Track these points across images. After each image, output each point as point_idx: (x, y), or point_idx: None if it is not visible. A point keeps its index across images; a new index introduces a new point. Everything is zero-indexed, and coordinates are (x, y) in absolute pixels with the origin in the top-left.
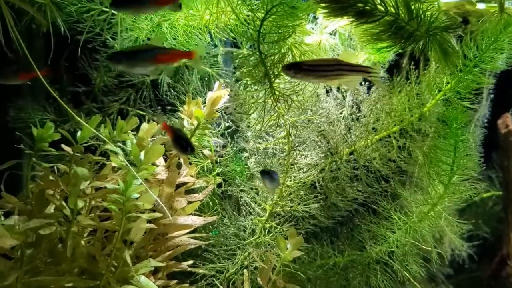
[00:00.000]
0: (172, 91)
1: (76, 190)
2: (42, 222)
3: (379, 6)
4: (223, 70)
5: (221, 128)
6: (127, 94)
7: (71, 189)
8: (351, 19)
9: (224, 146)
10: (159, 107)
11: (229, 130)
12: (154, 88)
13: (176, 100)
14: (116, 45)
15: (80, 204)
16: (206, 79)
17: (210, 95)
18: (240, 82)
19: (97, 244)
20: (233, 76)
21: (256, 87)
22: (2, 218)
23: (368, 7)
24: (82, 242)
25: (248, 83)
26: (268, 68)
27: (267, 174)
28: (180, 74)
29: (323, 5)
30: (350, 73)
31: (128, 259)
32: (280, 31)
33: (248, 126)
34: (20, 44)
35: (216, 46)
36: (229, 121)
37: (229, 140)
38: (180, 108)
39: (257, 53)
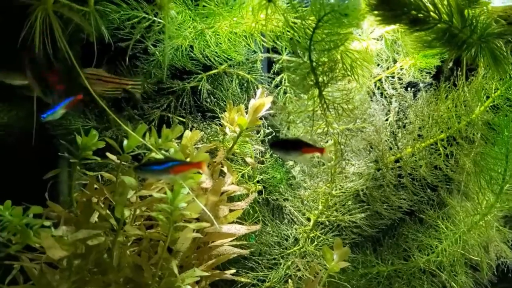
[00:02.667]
0: (211, 97)
1: (123, 200)
2: (90, 232)
3: (432, 14)
4: (262, 76)
5: (260, 134)
6: (167, 101)
7: (118, 199)
8: (404, 27)
9: (263, 153)
10: (199, 114)
11: (270, 137)
12: (193, 94)
13: (216, 107)
14: (156, 52)
15: (127, 213)
16: (245, 85)
17: (253, 102)
18: (279, 87)
19: (144, 254)
20: (272, 82)
21: (304, 96)
22: (52, 229)
23: (421, 15)
24: (128, 252)
25: (297, 91)
26: (318, 76)
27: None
28: (219, 80)
29: (377, 12)
30: None
31: (175, 269)
32: (332, 39)
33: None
34: (69, 53)
35: (255, 52)
36: (269, 127)
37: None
38: (220, 115)
39: (308, 61)
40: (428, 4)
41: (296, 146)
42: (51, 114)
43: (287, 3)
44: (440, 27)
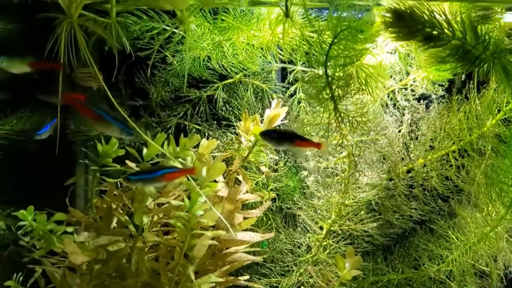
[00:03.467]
0: (227, 106)
1: (142, 207)
2: (111, 239)
3: (446, 31)
4: (277, 86)
5: None
6: (184, 109)
7: (137, 206)
8: (419, 43)
9: (277, 162)
10: (214, 122)
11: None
12: (209, 103)
13: (231, 115)
14: (174, 62)
15: (145, 220)
16: (260, 94)
17: (268, 112)
18: (293, 97)
19: (162, 260)
20: (286, 91)
21: (320, 108)
22: (75, 235)
23: (435, 32)
24: (145, 257)
25: (313, 105)
26: (333, 90)
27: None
28: (234, 89)
29: (392, 29)
30: None
31: (192, 275)
32: (348, 55)
33: None
34: (92, 65)
35: (270, 62)
36: None
37: (283, 155)
38: (236, 124)
39: (324, 75)
40: (442, 21)
41: (290, 138)
42: (44, 132)
43: (303, 18)
44: (454, 43)
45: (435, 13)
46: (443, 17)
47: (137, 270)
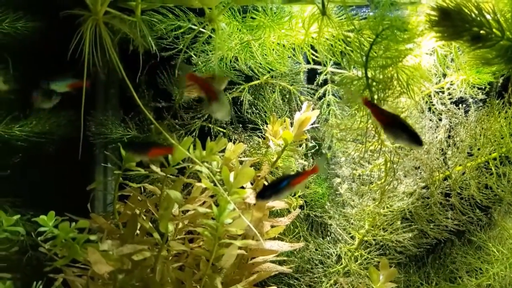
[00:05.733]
0: (253, 108)
1: (168, 214)
2: (136, 248)
3: (495, 30)
4: (305, 87)
5: (303, 148)
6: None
7: (163, 213)
8: (465, 44)
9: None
10: (240, 125)
11: (312, 150)
12: (234, 105)
13: (257, 118)
14: (199, 62)
15: (170, 228)
16: (287, 96)
17: (298, 115)
18: (323, 100)
19: (188, 270)
20: (314, 93)
21: (356, 112)
22: (99, 244)
23: (483, 32)
24: (170, 267)
25: (345, 108)
26: (373, 93)
27: None
28: (260, 91)
29: (437, 29)
30: None
31: (220, 287)
32: (389, 56)
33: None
34: (118, 64)
35: (298, 63)
36: (312, 141)
37: (312, 160)
38: (262, 127)
39: (364, 78)
40: (491, 20)
41: (286, 184)
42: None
43: (339, 17)
44: (503, 44)
45: (483, 11)
46: (492, 15)
47: (161, 280)
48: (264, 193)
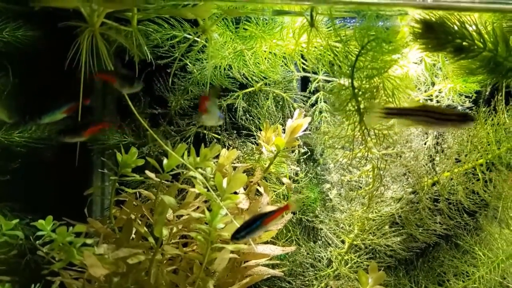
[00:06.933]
0: (247, 115)
1: (162, 219)
2: (131, 251)
3: (477, 42)
4: (297, 95)
5: (295, 154)
6: None
7: (158, 218)
8: (449, 55)
9: (298, 173)
10: (234, 131)
11: (304, 156)
12: (229, 111)
13: (251, 124)
14: (194, 70)
15: (165, 232)
16: (280, 103)
17: (290, 123)
18: (315, 106)
19: (182, 273)
20: (306, 100)
21: (344, 120)
22: (96, 247)
23: (466, 43)
24: (164, 270)
25: (336, 116)
26: (359, 103)
27: None
28: (254, 98)
29: (421, 41)
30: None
31: None
32: (375, 66)
33: (334, 159)
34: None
35: (291, 71)
36: (304, 147)
37: (304, 166)
38: (256, 134)
39: (350, 87)
40: (473, 32)
41: (260, 222)
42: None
43: (328, 28)
44: (485, 55)
45: (465, 23)
46: (474, 27)
47: (156, 283)
48: (239, 234)
